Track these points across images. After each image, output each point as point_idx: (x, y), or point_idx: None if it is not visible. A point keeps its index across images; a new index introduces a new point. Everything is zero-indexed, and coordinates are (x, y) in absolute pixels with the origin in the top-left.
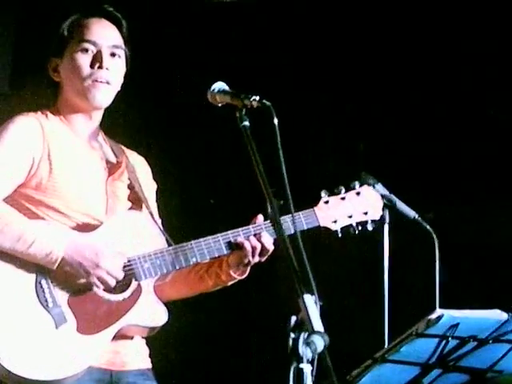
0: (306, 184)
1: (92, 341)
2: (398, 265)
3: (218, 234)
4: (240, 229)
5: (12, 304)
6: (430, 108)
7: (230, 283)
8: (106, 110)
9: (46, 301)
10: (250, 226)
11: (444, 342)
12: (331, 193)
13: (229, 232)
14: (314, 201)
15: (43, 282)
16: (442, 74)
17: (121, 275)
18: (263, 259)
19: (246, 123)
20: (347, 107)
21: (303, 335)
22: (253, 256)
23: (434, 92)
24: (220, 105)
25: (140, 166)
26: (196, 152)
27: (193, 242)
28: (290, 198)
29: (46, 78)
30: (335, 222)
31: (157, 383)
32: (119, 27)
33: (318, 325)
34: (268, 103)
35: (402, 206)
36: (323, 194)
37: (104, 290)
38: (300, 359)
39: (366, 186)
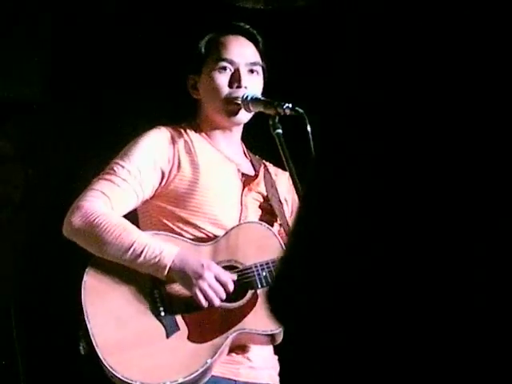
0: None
1: (203, 348)
2: None
3: None
4: None
5: (125, 313)
6: None
7: None
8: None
9: (158, 310)
10: None
11: None
12: None
13: None
14: None
15: (156, 291)
16: None
17: (222, 292)
18: None
19: (279, 131)
20: None
21: None
22: None
23: None
24: (253, 113)
25: (281, 181)
26: None
27: None
28: None
29: (185, 93)
30: None
31: None
32: (255, 43)
33: None
34: (301, 110)
35: None
36: None
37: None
38: None
39: None
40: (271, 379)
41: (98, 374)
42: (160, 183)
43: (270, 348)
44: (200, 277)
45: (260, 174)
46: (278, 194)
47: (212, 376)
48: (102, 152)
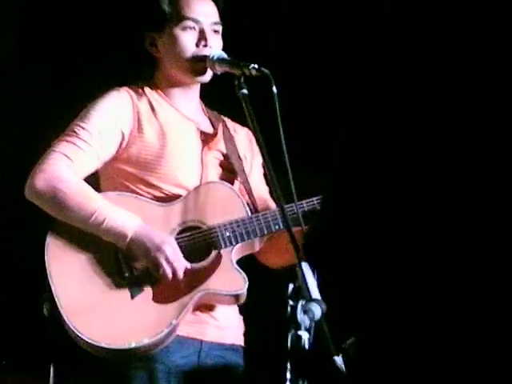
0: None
1: (168, 309)
2: None
3: (303, 201)
4: (304, 201)
5: (89, 275)
6: None
7: None
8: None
9: (123, 272)
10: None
11: None
12: None
13: (314, 198)
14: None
15: (120, 253)
16: None
17: (179, 268)
18: None
19: (245, 91)
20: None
21: (301, 303)
22: None
23: None
24: (219, 73)
25: (240, 138)
26: None
27: (275, 209)
28: (289, 169)
29: (141, 51)
30: None
31: (244, 364)
32: (216, 3)
33: (315, 292)
34: (266, 71)
35: None
36: None
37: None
38: (298, 326)
39: None
40: (236, 339)
41: (61, 337)
42: (120, 145)
43: (236, 308)
44: (158, 250)
45: (219, 132)
46: (237, 150)
47: (177, 336)
48: (64, 112)
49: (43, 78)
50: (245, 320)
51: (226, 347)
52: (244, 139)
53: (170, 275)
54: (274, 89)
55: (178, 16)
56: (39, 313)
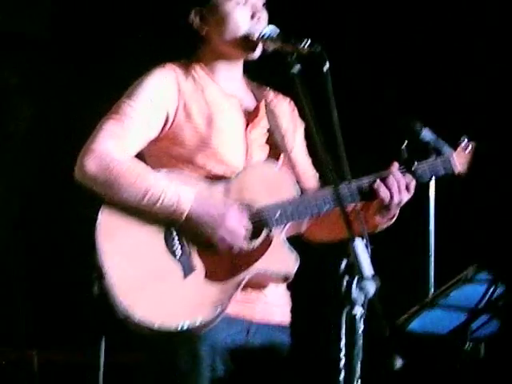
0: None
1: (221, 288)
2: (444, 211)
3: (352, 180)
4: (373, 174)
5: (142, 253)
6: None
7: (379, 228)
8: None
9: (175, 250)
10: (385, 172)
11: (493, 287)
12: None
13: (363, 178)
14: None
15: (173, 231)
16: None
17: (241, 237)
18: (405, 199)
19: (298, 69)
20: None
21: (356, 279)
22: (392, 197)
23: None
24: (270, 49)
25: (283, 109)
26: None
27: (326, 188)
28: (343, 149)
29: (185, 26)
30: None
31: (291, 341)
32: None
33: (368, 269)
34: (319, 47)
35: (449, 151)
36: (464, 139)
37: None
38: (353, 303)
39: None
40: (284, 316)
41: (111, 314)
42: (165, 124)
43: (284, 284)
44: (222, 223)
45: (261, 108)
46: (280, 124)
47: (226, 314)
48: (104, 90)
49: (82, 54)
50: (295, 296)
51: (274, 325)
52: (286, 111)
53: (235, 246)
54: (327, 66)
55: None
56: (90, 290)
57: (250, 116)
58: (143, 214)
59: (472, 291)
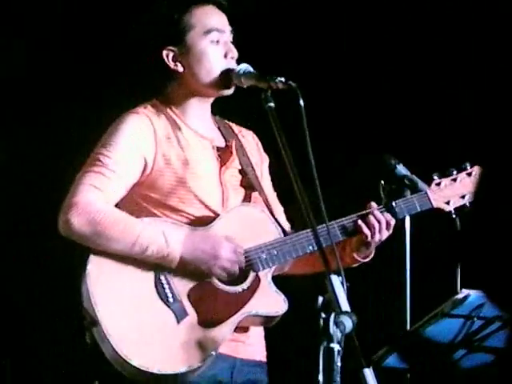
0: (329, 166)
1: (214, 333)
2: (420, 246)
3: (333, 221)
4: (354, 214)
5: (134, 301)
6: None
7: (354, 265)
8: None
9: (167, 296)
10: (364, 212)
11: (469, 322)
12: (442, 175)
13: (343, 218)
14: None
15: (162, 277)
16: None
17: (242, 260)
18: (384, 237)
19: (272, 104)
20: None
21: (333, 315)
22: (373, 235)
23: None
24: (245, 86)
25: (249, 144)
26: None
27: (308, 230)
28: (316, 180)
29: (155, 66)
30: (448, 203)
31: (268, 380)
32: (226, 13)
33: (345, 305)
34: (294, 84)
35: (423, 186)
36: (435, 176)
37: (222, 282)
38: (330, 339)
39: (477, 167)
40: (262, 355)
41: (104, 363)
42: (143, 171)
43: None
44: (216, 257)
45: (233, 149)
46: (250, 160)
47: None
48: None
49: (54, 94)
50: (272, 332)
51: (255, 364)
52: (252, 144)
53: (236, 270)
54: (301, 102)
55: (201, 28)
56: (82, 339)
57: (223, 157)
58: (132, 260)
59: (449, 325)
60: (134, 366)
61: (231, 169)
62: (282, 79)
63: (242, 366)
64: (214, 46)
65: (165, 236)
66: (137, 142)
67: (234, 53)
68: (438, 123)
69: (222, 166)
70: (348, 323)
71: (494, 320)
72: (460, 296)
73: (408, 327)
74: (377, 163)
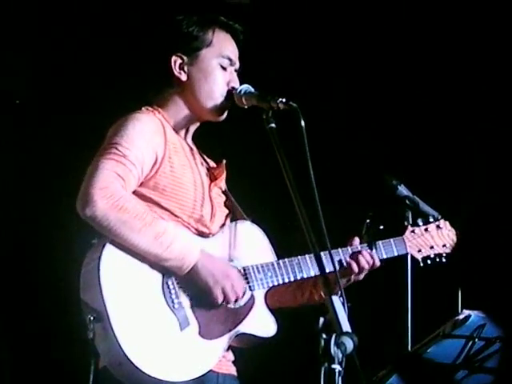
0: (329, 185)
1: (212, 346)
2: (421, 268)
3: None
4: (339, 249)
5: (141, 303)
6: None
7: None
8: None
9: (173, 302)
10: (348, 248)
11: (470, 342)
12: (415, 224)
13: (339, 249)
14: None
15: (170, 282)
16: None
17: (241, 292)
18: (361, 277)
19: (273, 125)
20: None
21: (334, 336)
22: (358, 273)
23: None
24: (246, 107)
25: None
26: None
27: (299, 257)
28: (318, 203)
29: (159, 68)
30: (419, 251)
31: None
32: (238, 46)
33: (346, 326)
34: (295, 105)
35: (425, 207)
36: (408, 224)
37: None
38: (331, 360)
39: (443, 221)
40: (235, 370)
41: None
42: (151, 170)
43: None
44: (226, 276)
45: (223, 169)
46: (224, 184)
47: None
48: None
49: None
50: (274, 354)
51: (233, 378)
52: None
53: (232, 300)
54: (303, 122)
55: (218, 49)
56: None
57: (212, 175)
58: (142, 259)
59: (450, 346)
60: (134, 365)
61: (216, 188)
62: (283, 100)
63: (225, 381)
64: (222, 71)
65: (187, 240)
66: (151, 140)
67: (236, 84)
68: (440, 146)
69: (211, 183)
70: (349, 344)
71: (495, 341)
72: (461, 317)
73: (409, 348)
74: (379, 183)
